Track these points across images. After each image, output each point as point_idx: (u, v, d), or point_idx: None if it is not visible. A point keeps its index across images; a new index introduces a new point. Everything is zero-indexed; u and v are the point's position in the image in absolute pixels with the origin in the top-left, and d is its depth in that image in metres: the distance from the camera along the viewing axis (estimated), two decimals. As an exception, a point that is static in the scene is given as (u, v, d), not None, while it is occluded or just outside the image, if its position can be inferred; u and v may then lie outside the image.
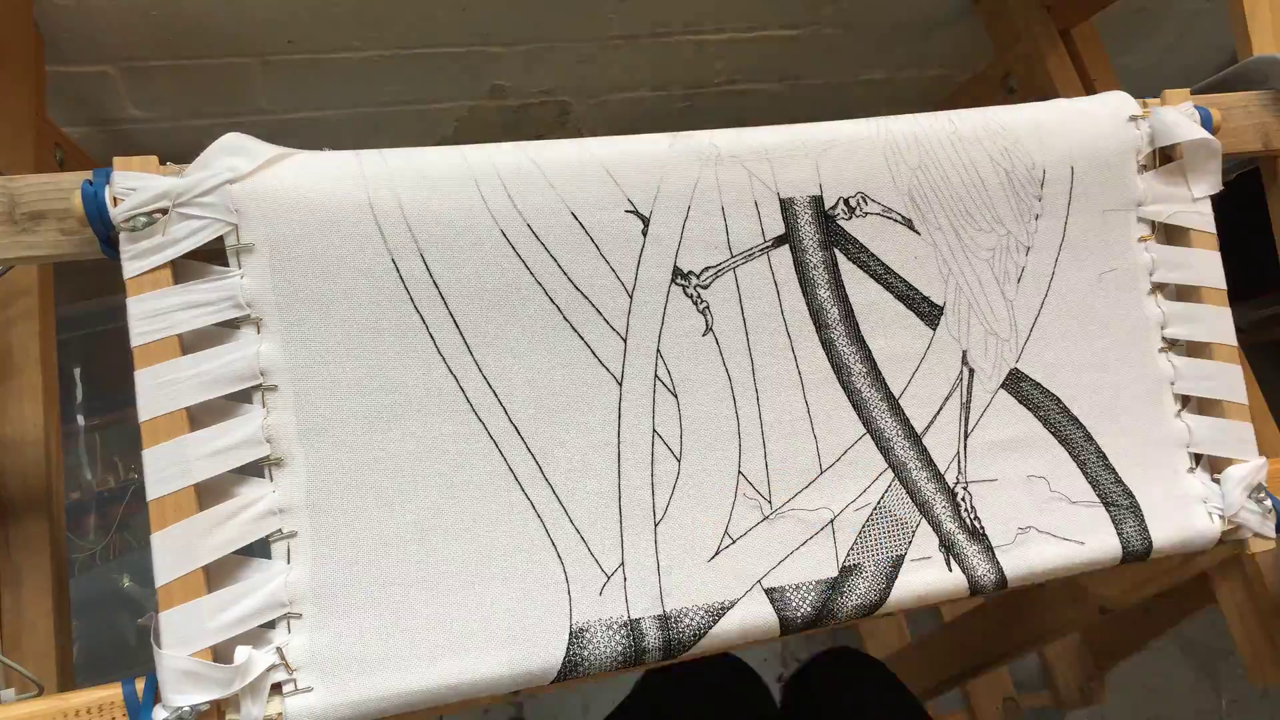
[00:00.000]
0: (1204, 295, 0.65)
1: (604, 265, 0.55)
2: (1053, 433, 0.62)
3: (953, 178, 0.61)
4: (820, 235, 0.59)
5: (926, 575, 0.58)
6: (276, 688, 0.48)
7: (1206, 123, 0.64)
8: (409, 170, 0.52)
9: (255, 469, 0.50)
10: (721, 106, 1.19)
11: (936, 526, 0.59)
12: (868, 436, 0.59)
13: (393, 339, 0.52)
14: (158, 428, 0.47)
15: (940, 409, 0.60)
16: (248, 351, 0.49)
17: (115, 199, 0.48)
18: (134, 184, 0.48)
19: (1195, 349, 0.65)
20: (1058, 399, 0.62)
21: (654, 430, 0.55)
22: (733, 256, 0.57)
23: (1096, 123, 0.64)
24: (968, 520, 0.59)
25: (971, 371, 0.61)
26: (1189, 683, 1.63)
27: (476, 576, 0.52)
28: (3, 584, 0.63)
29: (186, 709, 0.46)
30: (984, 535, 0.59)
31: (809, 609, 0.55)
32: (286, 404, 0.50)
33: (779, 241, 0.58)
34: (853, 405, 0.59)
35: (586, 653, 0.52)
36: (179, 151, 0.51)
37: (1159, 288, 0.65)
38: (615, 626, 0.53)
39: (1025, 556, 0.59)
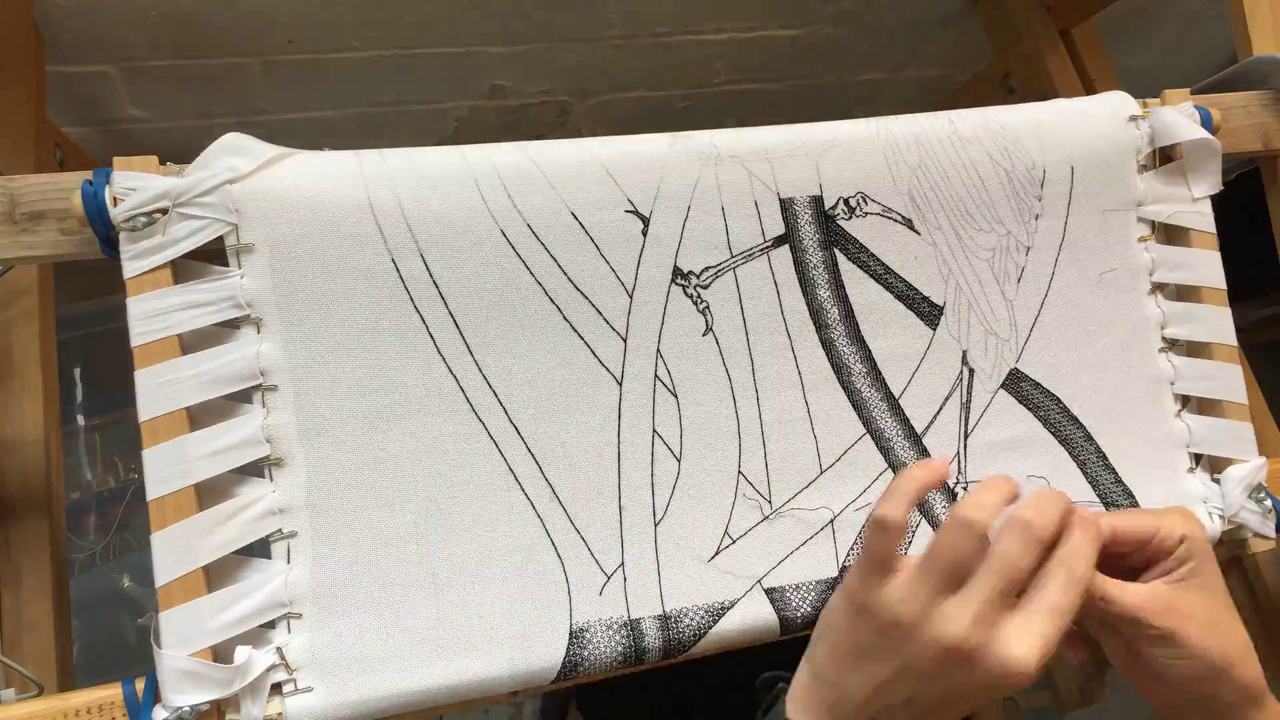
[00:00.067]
0: (1204, 295, 0.65)
1: (604, 265, 0.55)
2: (1053, 433, 0.62)
3: (953, 178, 0.61)
4: (820, 235, 0.59)
5: (926, 575, 0.58)
6: (276, 688, 0.48)
7: (1206, 123, 0.64)
8: (409, 170, 0.52)
9: (255, 469, 0.50)
10: (721, 106, 1.19)
11: (937, 526, 0.59)
12: (868, 436, 0.59)
13: (393, 339, 0.52)
14: (158, 428, 0.47)
15: (940, 409, 0.60)
16: (248, 351, 0.49)
17: (115, 199, 0.48)
18: (134, 184, 0.48)
19: (1195, 349, 0.65)
20: (1058, 399, 0.62)
21: (654, 430, 0.55)
22: (733, 256, 0.57)
23: (1096, 123, 0.64)
24: (968, 520, 0.59)
25: (971, 371, 0.61)
26: (1189, 683, 1.62)
27: (476, 576, 0.52)
28: (3, 584, 0.63)
29: (186, 709, 0.46)
30: (984, 535, 0.59)
31: (809, 609, 0.55)
32: (286, 404, 0.50)
33: (779, 241, 0.58)
34: (853, 405, 0.59)
35: (586, 653, 0.52)
36: (179, 151, 0.51)
37: (1159, 288, 0.65)
38: (615, 626, 0.53)
39: (1025, 556, 0.59)
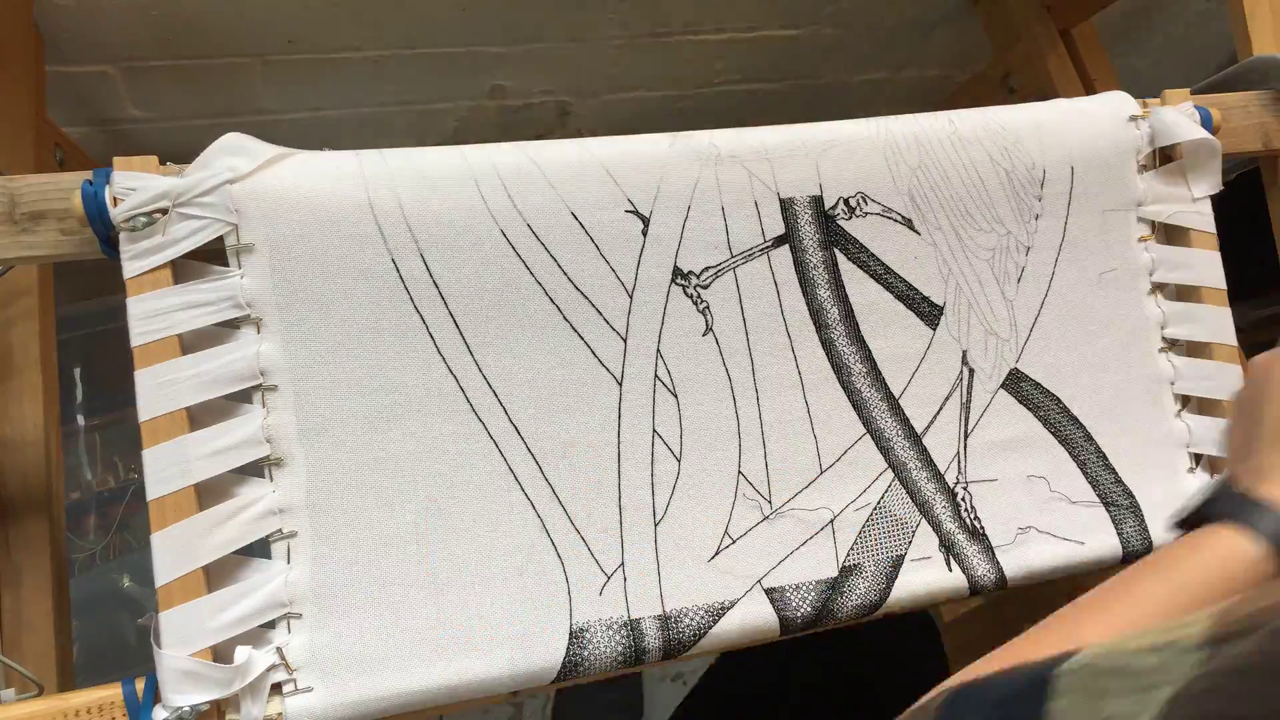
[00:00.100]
0: (1204, 295, 0.65)
1: (604, 265, 0.55)
2: (1053, 433, 0.62)
3: (953, 178, 0.61)
4: (820, 235, 0.59)
5: (926, 575, 0.58)
6: (276, 688, 0.48)
7: (1206, 123, 0.64)
8: (409, 170, 0.52)
9: (255, 469, 0.50)
10: (721, 106, 1.19)
11: (936, 526, 0.59)
12: (868, 436, 0.59)
13: (393, 339, 0.52)
14: (158, 428, 0.47)
15: (940, 409, 0.60)
16: (248, 351, 0.49)
17: (115, 199, 0.48)
18: (134, 184, 0.48)
19: (1195, 349, 0.65)
20: (1058, 399, 0.62)
21: (654, 430, 0.55)
22: (733, 256, 0.57)
23: (1096, 123, 0.64)
24: (968, 520, 0.59)
25: (971, 371, 0.61)
26: (1189, 683, 1.63)
27: (476, 576, 0.52)
28: (3, 584, 0.63)
29: (186, 709, 0.46)
30: (984, 535, 0.59)
31: (809, 609, 0.55)
32: (286, 404, 0.50)
33: (779, 241, 0.58)
34: (853, 405, 0.59)
35: (586, 653, 0.52)
36: (179, 151, 0.51)
37: (1159, 288, 0.65)
38: (615, 626, 0.53)
39: (1025, 556, 0.59)
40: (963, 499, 0.59)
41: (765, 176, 0.58)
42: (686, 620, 0.54)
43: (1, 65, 0.74)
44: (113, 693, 0.47)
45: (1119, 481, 0.62)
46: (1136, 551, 0.61)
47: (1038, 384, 0.62)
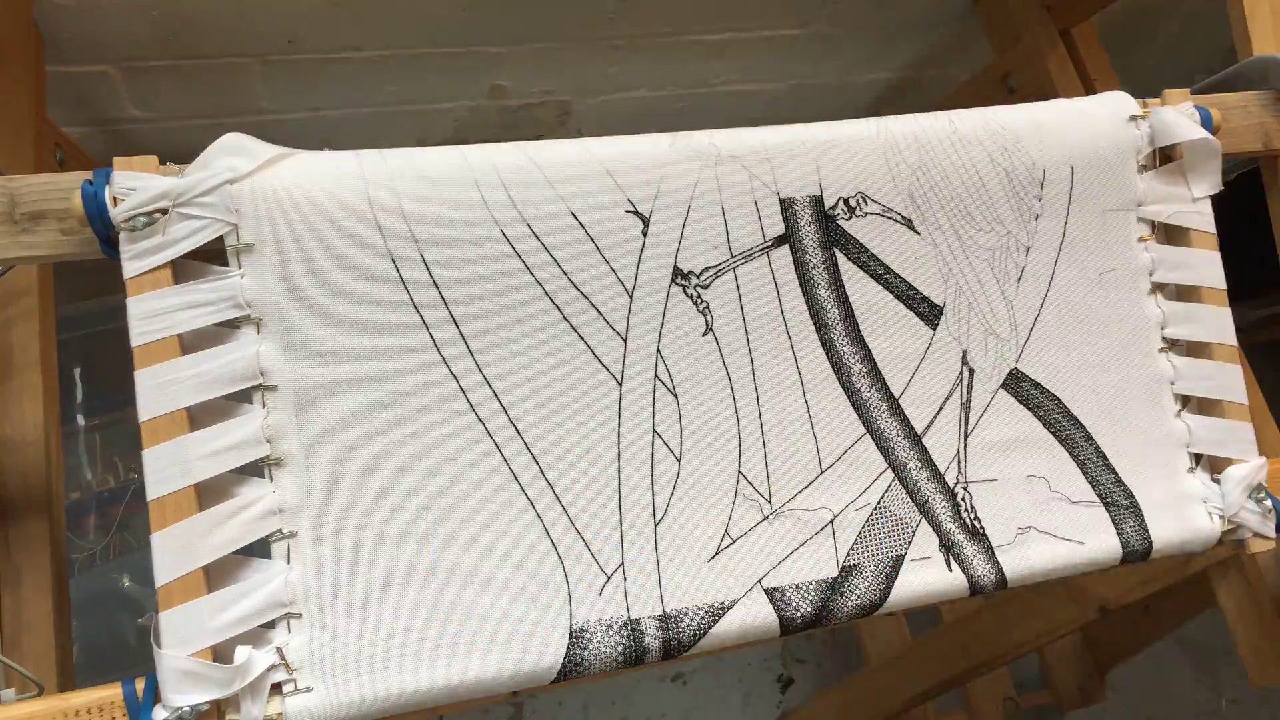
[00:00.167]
0: (1204, 295, 0.65)
1: (604, 265, 0.55)
2: (1053, 433, 0.62)
3: (953, 178, 0.61)
4: (820, 235, 0.59)
5: (926, 575, 0.58)
6: (276, 688, 0.48)
7: (1206, 123, 0.64)
8: (409, 170, 0.52)
9: (255, 469, 0.50)
10: (721, 106, 1.19)
11: (936, 526, 0.59)
12: (868, 436, 0.59)
13: (393, 339, 0.52)
14: (158, 428, 0.47)
15: (940, 409, 0.60)
16: (248, 351, 0.49)
17: (115, 199, 0.48)
18: (134, 184, 0.48)
19: (1195, 349, 0.65)
20: (1058, 399, 0.62)
21: (654, 430, 0.55)
22: (733, 256, 0.57)
23: (1096, 123, 0.64)
24: (968, 520, 0.59)
25: (971, 371, 0.61)
26: (1189, 683, 1.63)
27: (476, 576, 0.52)
28: (3, 584, 0.63)
29: (186, 709, 0.46)
30: (984, 535, 0.59)
31: (809, 609, 0.55)
32: (286, 404, 0.50)
33: (779, 241, 0.58)
34: (853, 405, 0.59)
35: (586, 653, 0.52)
36: (179, 151, 0.51)
37: (1159, 288, 0.65)
38: (615, 626, 0.53)
39: (1025, 556, 0.59)
40: (963, 499, 0.59)
41: (765, 176, 0.58)
42: (686, 620, 0.54)
43: (1, 65, 0.74)
44: (113, 693, 0.47)
45: (1119, 481, 0.62)
46: (1136, 551, 0.61)
47: (1038, 384, 0.62)
